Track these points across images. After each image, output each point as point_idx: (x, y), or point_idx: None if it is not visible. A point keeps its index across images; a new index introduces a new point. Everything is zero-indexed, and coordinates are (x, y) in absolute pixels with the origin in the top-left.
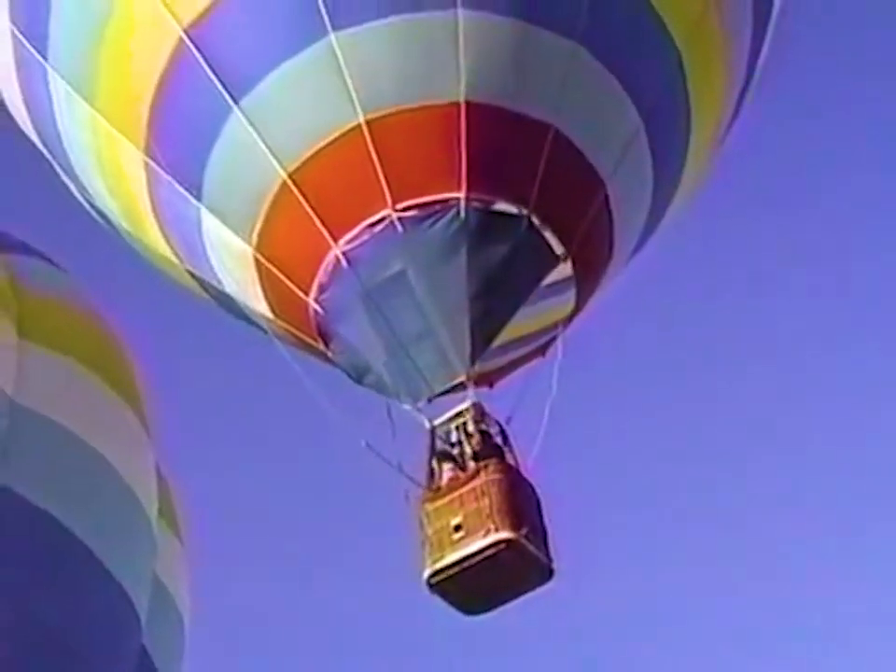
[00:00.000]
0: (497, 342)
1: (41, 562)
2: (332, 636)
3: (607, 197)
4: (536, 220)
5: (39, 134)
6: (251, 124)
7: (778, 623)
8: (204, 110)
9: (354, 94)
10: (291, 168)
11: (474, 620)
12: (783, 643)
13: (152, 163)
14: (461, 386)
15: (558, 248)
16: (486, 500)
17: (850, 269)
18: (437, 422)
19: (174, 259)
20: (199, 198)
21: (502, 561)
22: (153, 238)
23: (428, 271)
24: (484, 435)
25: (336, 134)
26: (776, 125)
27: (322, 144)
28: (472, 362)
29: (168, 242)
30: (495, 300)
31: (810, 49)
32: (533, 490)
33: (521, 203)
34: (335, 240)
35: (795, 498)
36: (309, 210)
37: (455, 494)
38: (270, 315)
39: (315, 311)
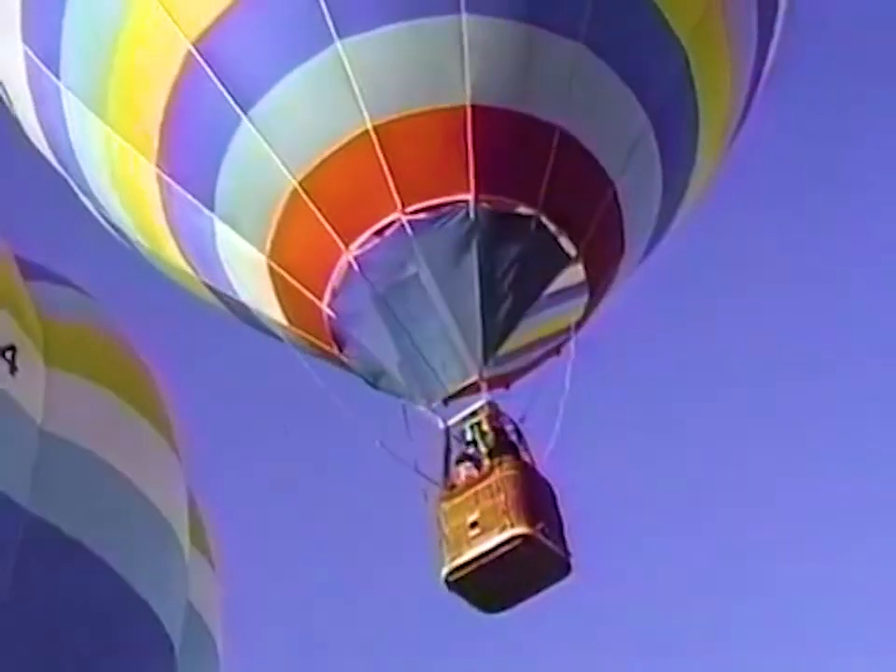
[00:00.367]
0: (513, 346)
1: (73, 592)
2: (359, 641)
3: (616, 195)
4: (545, 220)
5: (55, 153)
6: (260, 133)
7: (802, 615)
8: (214, 121)
9: (361, 101)
10: (301, 176)
11: (493, 618)
12: (806, 638)
13: (165, 176)
14: (476, 387)
15: (568, 247)
16: (502, 496)
17: (867, 269)
18: (451, 421)
19: (189, 271)
20: (212, 208)
21: (519, 556)
22: (169, 251)
23: (439, 272)
24: (499, 433)
25: (344, 141)
26: (787, 125)
27: (331, 151)
28: (485, 362)
29: (183, 254)
30: (506, 299)
31: (820, 48)
32: (549, 486)
33: (530, 204)
34: (346, 245)
35: (816, 488)
36: (320, 216)
37: (471, 491)
38: (285, 322)
39: (329, 316)
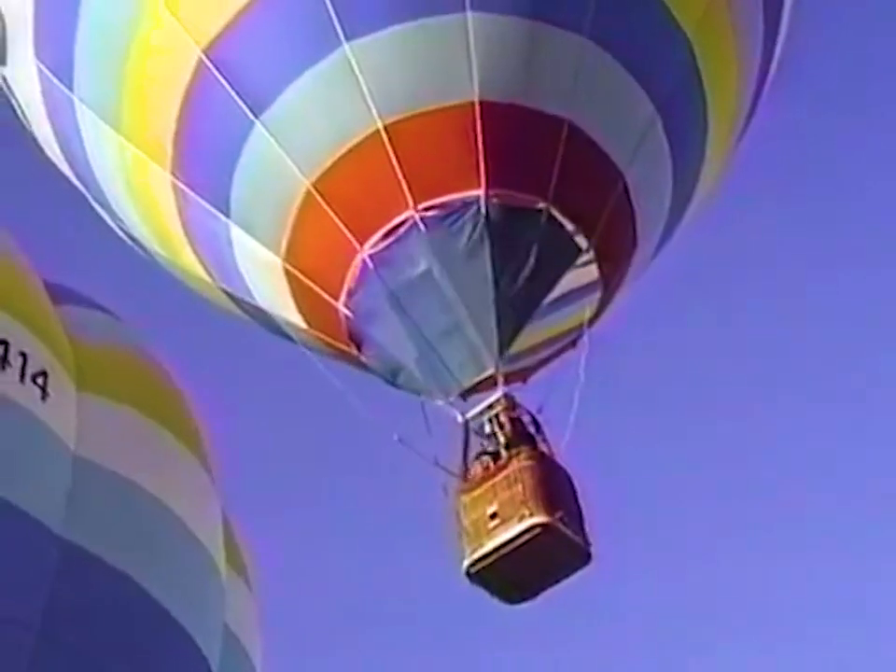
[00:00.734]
0: (529, 343)
1: (109, 616)
2: (391, 645)
3: (626, 187)
4: (556, 213)
5: (71, 166)
6: (273, 137)
7: (826, 605)
8: (227, 127)
9: (370, 101)
10: (314, 177)
11: (515, 609)
12: (829, 627)
13: (180, 184)
14: (493, 381)
15: (580, 239)
16: (519, 487)
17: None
18: (469, 415)
19: (206, 277)
20: (227, 214)
21: (539, 546)
22: (185, 258)
23: (453, 268)
24: (516, 424)
25: (355, 141)
26: (797, 123)
27: (342, 151)
28: (500, 355)
29: (201, 261)
30: (519, 293)
31: (828, 45)
32: (567, 475)
33: (540, 197)
34: (361, 244)
35: (835, 479)
36: (334, 217)
37: (489, 483)
38: (302, 324)
39: (346, 315)
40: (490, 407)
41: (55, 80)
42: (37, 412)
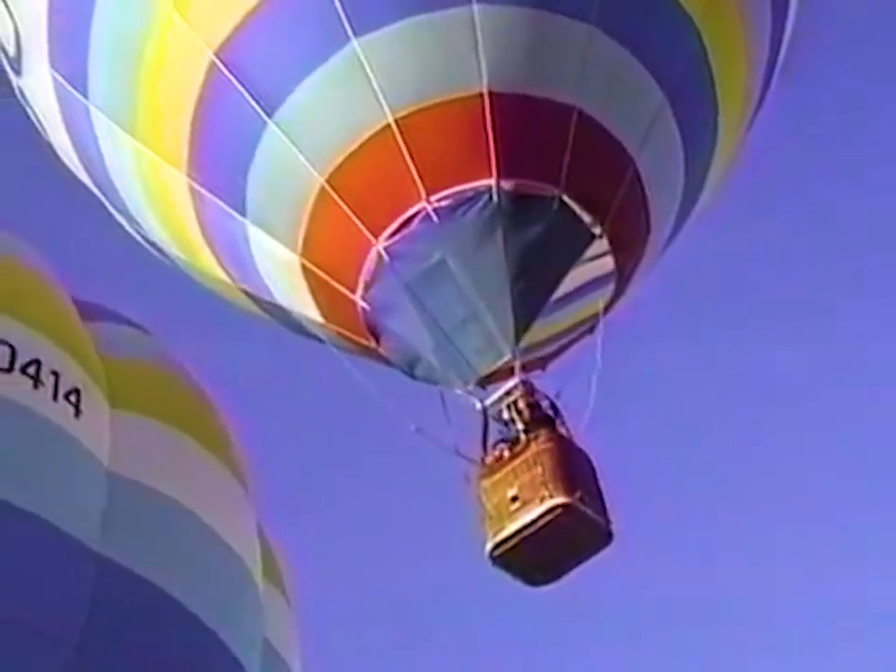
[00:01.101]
0: (546, 334)
1: (149, 633)
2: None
3: (637, 173)
4: (567, 199)
5: (90, 174)
6: (286, 136)
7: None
8: (241, 128)
9: (380, 96)
10: (327, 174)
11: (538, 592)
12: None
13: (196, 186)
14: (511, 369)
15: (592, 224)
16: (539, 469)
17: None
18: (488, 402)
19: (226, 278)
20: (244, 213)
21: (560, 526)
22: (204, 260)
23: (467, 257)
24: (534, 409)
25: (367, 136)
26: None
27: (354, 147)
28: (517, 341)
29: (220, 262)
30: (534, 279)
31: (838, 38)
32: (586, 457)
33: (551, 184)
34: (375, 237)
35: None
36: (348, 211)
37: (509, 467)
38: (321, 320)
39: (363, 308)
40: (508, 394)
41: (70, 88)
42: (71, 429)
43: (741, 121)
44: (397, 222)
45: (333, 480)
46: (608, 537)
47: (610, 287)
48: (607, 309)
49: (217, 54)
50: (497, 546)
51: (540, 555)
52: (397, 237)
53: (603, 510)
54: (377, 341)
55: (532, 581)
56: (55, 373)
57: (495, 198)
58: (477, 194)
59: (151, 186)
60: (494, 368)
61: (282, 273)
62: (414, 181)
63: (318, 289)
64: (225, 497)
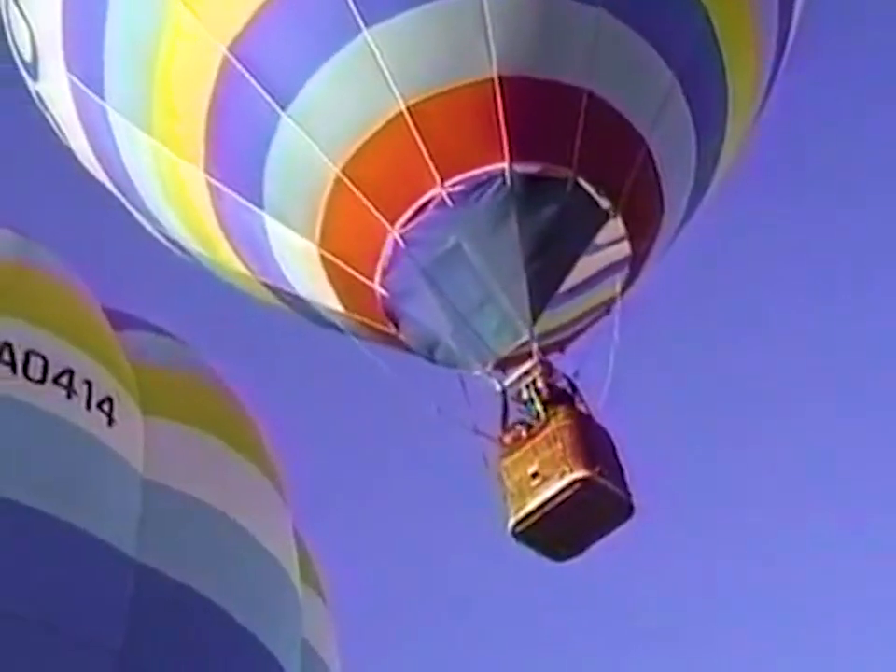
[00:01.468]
0: (563, 319)
1: (189, 638)
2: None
3: (650, 153)
4: (581, 180)
5: (110, 176)
6: (300, 128)
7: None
8: (255, 121)
9: (392, 84)
10: (342, 163)
11: (561, 566)
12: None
13: (213, 180)
14: (529, 350)
15: (605, 204)
16: (559, 445)
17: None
18: (507, 382)
19: (246, 272)
20: (261, 206)
21: (581, 500)
22: (224, 255)
23: (482, 241)
24: (553, 387)
25: (380, 125)
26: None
27: (368, 136)
28: (534, 321)
29: (239, 255)
30: (549, 260)
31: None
32: (606, 432)
33: (564, 166)
34: (391, 224)
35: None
36: (364, 200)
37: (529, 444)
38: (340, 308)
39: (382, 295)
40: (527, 374)
41: (87, 90)
42: (104, 438)
43: (752, 101)
44: (412, 209)
45: (358, 474)
46: (629, 509)
47: (625, 271)
48: (623, 290)
49: (229, 49)
50: (519, 522)
51: (563, 530)
52: (412, 223)
53: (623, 483)
54: (396, 327)
55: (555, 555)
56: (88, 382)
57: (508, 181)
58: (490, 178)
59: (169, 183)
60: (511, 348)
61: (300, 264)
62: (428, 167)
63: (337, 278)
64: (260, 501)
